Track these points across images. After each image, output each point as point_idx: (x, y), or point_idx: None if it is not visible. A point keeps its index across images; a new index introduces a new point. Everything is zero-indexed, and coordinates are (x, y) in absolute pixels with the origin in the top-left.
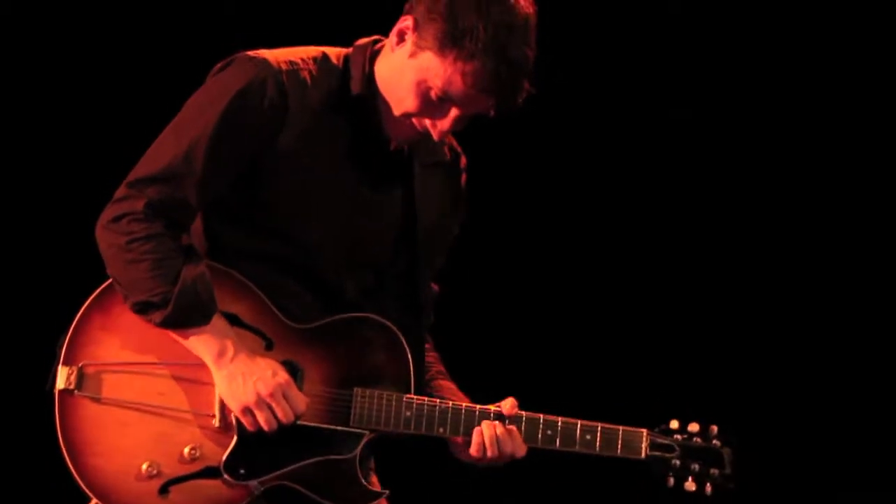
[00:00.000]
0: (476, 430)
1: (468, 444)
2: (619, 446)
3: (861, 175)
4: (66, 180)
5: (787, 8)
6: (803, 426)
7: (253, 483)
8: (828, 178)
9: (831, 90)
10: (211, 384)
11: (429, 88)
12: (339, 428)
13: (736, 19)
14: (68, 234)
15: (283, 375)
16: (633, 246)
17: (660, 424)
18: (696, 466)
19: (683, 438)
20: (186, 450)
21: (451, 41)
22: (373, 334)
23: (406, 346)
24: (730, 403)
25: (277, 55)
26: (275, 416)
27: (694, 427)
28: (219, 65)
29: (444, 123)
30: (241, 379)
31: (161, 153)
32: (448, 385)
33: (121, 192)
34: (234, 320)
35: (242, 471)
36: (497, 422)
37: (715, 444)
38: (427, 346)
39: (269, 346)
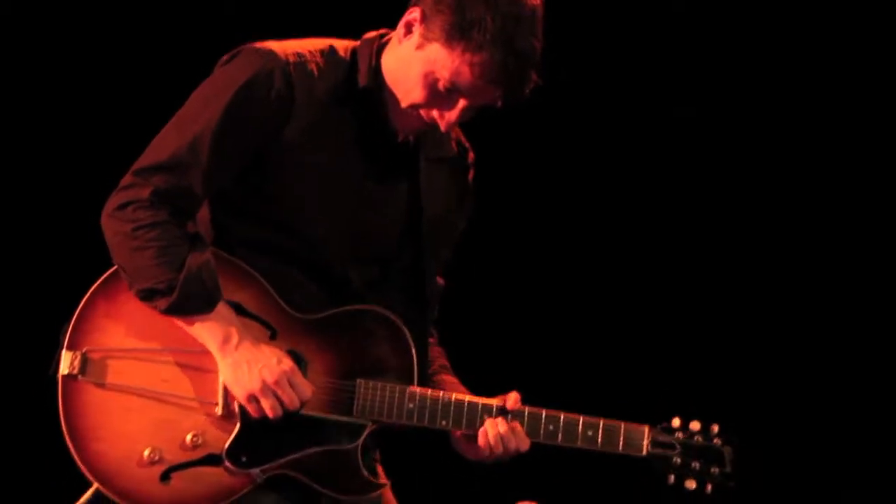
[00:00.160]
0: (482, 431)
1: (470, 438)
2: (621, 442)
3: (864, 174)
4: (71, 169)
5: (790, 7)
6: (806, 425)
7: (255, 471)
8: (831, 176)
9: (834, 89)
10: (214, 372)
11: (436, 80)
12: (342, 418)
13: (739, 18)
14: (73, 221)
15: (287, 363)
16: (636, 243)
17: (661, 422)
18: (696, 465)
19: (685, 436)
20: (189, 437)
21: (458, 33)
22: (377, 326)
23: (410, 338)
24: (732, 402)
25: (285, 47)
26: (280, 404)
27: (695, 425)
28: (226, 56)
29: (452, 114)
30: (247, 366)
31: (167, 142)
32: (451, 380)
33: (126, 180)
34: (238, 309)
35: (244, 459)
36: (502, 418)
37: (716, 443)
38: (432, 340)
39: (273, 336)
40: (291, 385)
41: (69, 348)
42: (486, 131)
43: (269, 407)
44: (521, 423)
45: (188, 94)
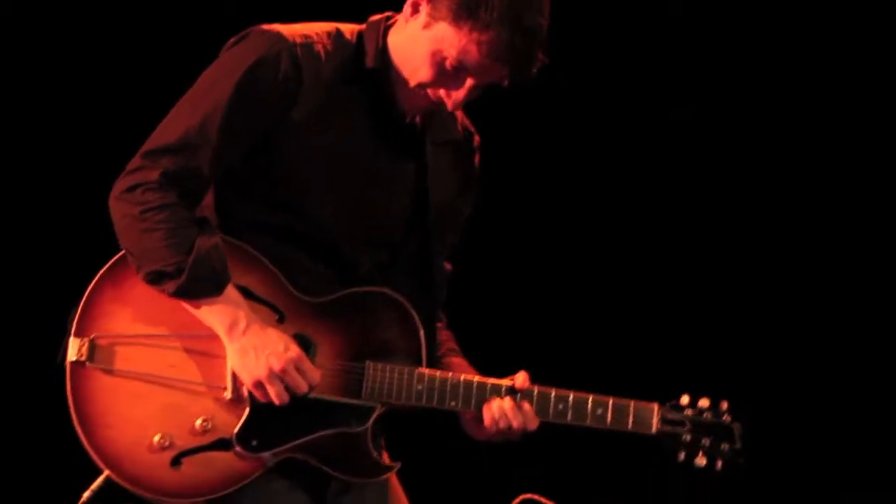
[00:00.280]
0: (485, 407)
1: (479, 419)
2: (631, 421)
3: (862, 173)
4: (78, 154)
5: (788, 8)
6: (806, 425)
7: (265, 455)
8: (829, 175)
9: (832, 90)
10: (223, 356)
11: (444, 58)
12: (351, 401)
13: (737, 19)
14: (80, 207)
15: (294, 349)
16: (640, 241)
17: (670, 400)
18: (706, 441)
19: (694, 413)
20: (198, 422)
21: (466, 11)
22: (385, 308)
23: (418, 320)
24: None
25: (292, 29)
26: (287, 390)
27: (704, 402)
28: (233, 39)
29: (459, 93)
30: (254, 353)
31: (175, 124)
32: (460, 361)
33: (134, 162)
34: (246, 293)
35: (255, 443)
36: (507, 396)
37: (725, 420)
38: (440, 324)
39: (281, 319)
40: (299, 371)
41: (77, 335)
42: (486, 130)
43: (275, 394)
44: (531, 403)
45: (194, 79)
